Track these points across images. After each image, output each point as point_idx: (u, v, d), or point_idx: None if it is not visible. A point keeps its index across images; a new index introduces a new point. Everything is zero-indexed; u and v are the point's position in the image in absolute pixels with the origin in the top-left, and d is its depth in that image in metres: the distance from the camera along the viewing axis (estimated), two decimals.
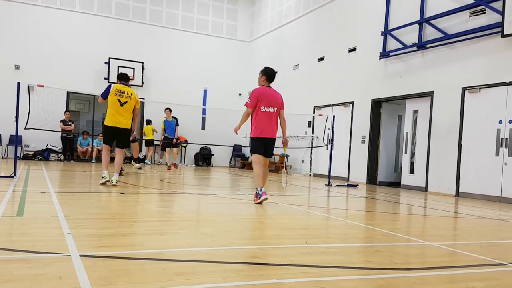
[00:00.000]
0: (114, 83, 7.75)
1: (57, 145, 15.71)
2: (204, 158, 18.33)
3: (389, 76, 11.76)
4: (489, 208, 7.49)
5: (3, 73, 15.20)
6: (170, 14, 18.16)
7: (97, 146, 15.85)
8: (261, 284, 2.38)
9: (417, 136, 11.17)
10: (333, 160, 11.39)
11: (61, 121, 15.25)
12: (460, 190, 9.54)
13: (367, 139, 12.51)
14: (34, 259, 2.62)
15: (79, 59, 16.38)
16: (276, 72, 6.44)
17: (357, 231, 4.47)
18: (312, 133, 14.95)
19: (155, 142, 16.04)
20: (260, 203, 5.97)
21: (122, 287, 2.18)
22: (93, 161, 15.56)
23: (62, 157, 15.58)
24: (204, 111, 18.59)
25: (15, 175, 7.67)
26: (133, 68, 16.72)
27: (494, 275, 2.93)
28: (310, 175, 14.85)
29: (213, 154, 18.45)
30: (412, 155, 11.33)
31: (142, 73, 17.20)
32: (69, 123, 15.47)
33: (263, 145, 6.14)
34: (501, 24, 8.58)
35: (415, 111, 11.25)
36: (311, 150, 14.90)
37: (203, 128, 18.67)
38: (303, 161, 15.47)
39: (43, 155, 15.21)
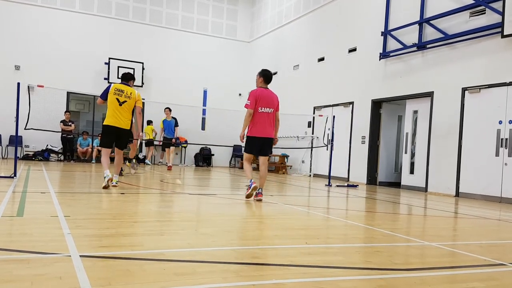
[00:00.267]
0: (115, 83, 7.56)
1: (57, 145, 15.71)
2: (204, 158, 18.33)
3: (389, 77, 11.76)
4: (489, 208, 7.49)
5: (3, 73, 15.20)
6: (170, 14, 18.17)
7: (97, 146, 15.84)
8: (261, 284, 2.38)
9: (417, 137, 11.17)
10: (333, 161, 11.39)
11: (61, 122, 15.26)
12: (460, 190, 9.54)
13: (367, 140, 12.51)
14: (34, 259, 2.62)
15: (79, 60, 16.38)
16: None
17: (357, 232, 4.47)
18: (312, 134, 14.95)
19: (155, 143, 16.05)
20: (249, 196, 6.28)
21: (122, 287, 2.19)
22: (93, 161, 15.56)
23: (62, 158, 15.58)
24: (204, 111, 18.59)
25: (15, 175, 7.67)
26: (133, 68, 16.72)
27: (494, 275, 2.93)
28: (310, 175, 14.86)
29: (213, 155, 18.46)
30: (412, 155, 11.33)
31: (142, 73, 17.20)
32: (69, 123, 15.48)
33: (257, 144, 6.34)
34: (501, 24, 8.58)
35: (415, 111, 11.25)
36: (311, 150, 14.90)
37: (203, 128, 18.67)
38: (303, 162, 15.47)
39: (43, 155, 15.21)
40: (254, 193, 6.29)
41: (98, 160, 15.70)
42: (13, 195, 5.57)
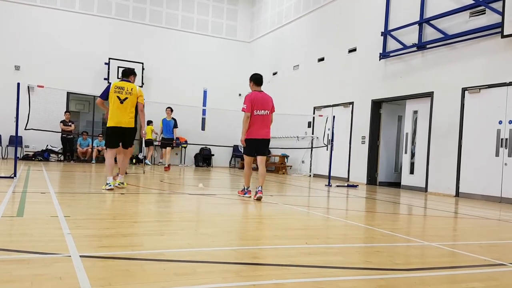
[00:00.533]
0: (115, 82, 7.36)
1: (57, 145, 15.71)
2: (204, 158, 18.33)
3: (389, 77, 11.76)
4: (489, 208, 7.49)
5: (3, 74, 15.20)
6: (170, 15, 18.17)
7: (97, 146, 15.86)
8: (261, 284, 2.38)
9: (417, 137, 11.17)
10: (333, 161, 11.39)
11: (61, 122, 15.26)
12: (460, 191, 9.54)
13: (367, 140, 12.51)
14: (34, 259, 2.62)
15: (79, 60, 16.38)
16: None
17: (357, 232, 4.47)
18: (312, 134, 14.95)
19: (154, 143, 16.05)
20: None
21: (122, 287, 2.19)
22: (93, 161, 15.56)
23: (62, 158, 15.58)
24: (204, 112, 18.59)
25: (15, 175, 7.67)
26: (133, 69, 16.70)
27: (494, 275, 2.93)
28: (310, 175, 14.85)
29: (213, 155, 18.46)
30: (412, 155, 11.33)
31: (142, 73, 17.20)
32: (69, 123, 15.48)
33: (255, 146, 6.59)
34: (501, 25, 8.58)
35: (415, 112, 11.25)
36: (311, 150, 14.90)
37: (203, 128, 18.67)
38: (303, 162, 15.47)
39: (43, 155, 15.21)
40: (255, 193, 6.44)
41: (98, 160, 15.73)
42: (13, 195, 5.57)
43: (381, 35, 11.84)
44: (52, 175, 9.53)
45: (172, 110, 13.39)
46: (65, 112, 15.61)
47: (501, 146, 8.80)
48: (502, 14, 8.56)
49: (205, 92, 18.82)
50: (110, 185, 6.68)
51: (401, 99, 11.65)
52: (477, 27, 9.28)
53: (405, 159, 11.54)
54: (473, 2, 9.36)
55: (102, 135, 15.64)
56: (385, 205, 7.37)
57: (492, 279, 2.83)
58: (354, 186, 11.08)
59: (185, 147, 17.82)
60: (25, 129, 8.98)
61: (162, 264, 2.68)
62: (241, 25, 19.58)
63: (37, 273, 2.34)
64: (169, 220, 4.62)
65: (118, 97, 6.83)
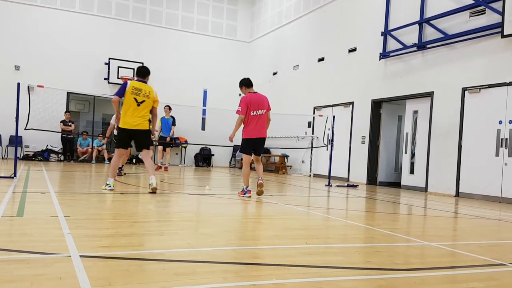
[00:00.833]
0: (131, 81, 6.82)
1: (57, 145, 15.71)
2: (204, 158, 18.33)
3: (389, 77, 11.76)
4: (489, 208, 7.49)
5: (3, 74, 15.20)
6: (170, 15, 18.17)
7: (97, 146, 15.85)
8: (261, 284, 2.38)
9: (417, 137, 11.17)
10: (333, 161, 11.39)
11: (61, 122, 15.26)
12: (460, 190, 9.54)
13: (367, 140, 12.51)
14: (34, 259, 2.62)
15: (79, 60, 16.37)
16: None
17: (357, 232, 4.47)
18: (312, 134, 14.95)
19: (154, 143, 16.02)
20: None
21: (122, 287, 2.19)
22: (93, 161, 15.55)
23: (62, 158, 15.57)
24: (204, 112, 18.58)
25: (15, 175, 7.67)
26: (133, 69, 16.71)
27: (494, 275, 2.93)
28: (310, 175, 14.85)
29: (213, 155, 18.46)
30: (412, 155, 11.33)
31: None
32: (69, 123, 15.48)
33: (252, 145, 6.87)
34: (501, 25, 8.58)
35: (415, 112, 11.25)
36: (311, 150, 14.90)
37: (203, 128, 18.67)
38: (303, 162, 15.47)
39: (43, 155, 15.21)
40: (256, 183, 6.89)
41: (98, 160, 15.73)
42: (13, 195, 5.57)
43: (381, 35, 11.84)
44: (52, 175, 9.53)
45: (170, 109, 13.39)
46: (65, 112, 15.61)
47: (501, 146, 8.80)
48: (502, 14, 8.56)
49: (205, 92, 18.81)
50: (111, 186, 6.64)
51: (401, 99, 11.65)
52: (477, 27, 9.28)
53: (405, 159, 11.54)
54: (473, 2, 9.36)
55: (102, 135, 15.64)
56: (385, 205, 7.37)
57: (492, 279, 2.83)
58: (354, 186, 11.09)
59: (185, 147, 17.82)
60: (25, 129, 8.97)
61: (162, 264, 2.68)
62: (241, 25, 19.57)
63: (37, 273, 2.34)
64: (169, 220, 4.62)
65: (135, 99, 6.56)
